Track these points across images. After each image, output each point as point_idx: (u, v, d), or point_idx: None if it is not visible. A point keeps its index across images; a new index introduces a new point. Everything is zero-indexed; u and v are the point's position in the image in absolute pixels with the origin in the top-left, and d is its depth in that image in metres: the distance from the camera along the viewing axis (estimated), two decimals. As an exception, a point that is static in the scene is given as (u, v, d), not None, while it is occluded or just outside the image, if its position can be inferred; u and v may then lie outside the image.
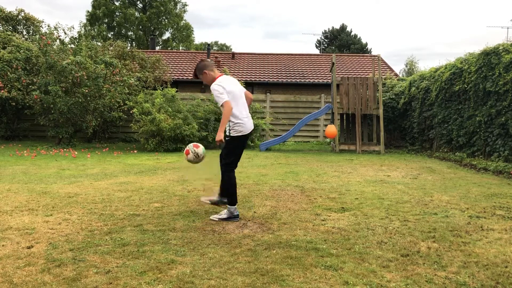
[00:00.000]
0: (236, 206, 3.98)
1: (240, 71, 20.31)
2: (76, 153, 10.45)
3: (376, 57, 13.41)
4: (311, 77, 19.84)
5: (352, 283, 2.51)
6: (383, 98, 12.74)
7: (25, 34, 18.92)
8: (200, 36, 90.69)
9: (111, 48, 15.87)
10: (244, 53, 23.09)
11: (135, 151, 11.32)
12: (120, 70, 12.88)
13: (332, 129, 11.07)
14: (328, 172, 7.36)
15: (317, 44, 47.59)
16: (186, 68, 20.56)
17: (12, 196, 4.90)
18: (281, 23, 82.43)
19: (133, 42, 38.11)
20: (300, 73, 20.33)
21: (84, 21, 38.05)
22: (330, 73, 16.33)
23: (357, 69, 20.70)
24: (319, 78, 19.77)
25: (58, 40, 13.84)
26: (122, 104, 12.73)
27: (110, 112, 12.98)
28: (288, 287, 2.46)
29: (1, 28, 17.79)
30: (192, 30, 41.46)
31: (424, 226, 3.76)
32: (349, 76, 13.72)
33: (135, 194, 5.16)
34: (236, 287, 2.45)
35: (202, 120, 12.19)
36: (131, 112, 12.32)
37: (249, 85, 18.19)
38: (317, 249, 3.12)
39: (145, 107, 11.42)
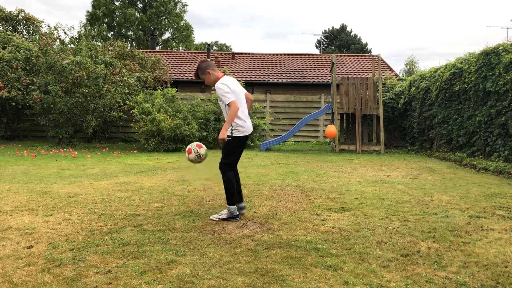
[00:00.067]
0: (236, 206, 3.99)
1: (240, 71, 20.31)
2: (76, 153, 10.45)
3: (376, 57, 13.41)
4: (311, 77, 19.84)
5: (352, 283, 2.51)
6: (383, 98, 12.74)
7: (25, 34, 18.92)
8: (200, 36, 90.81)
9: (111, 48, 15.87)
10: (244, 53, 23.09)
11: (135, 151, 11.32)
12: (120, 70, 12.88)
13: (332, 129, 11.07)
14: (328, 172, 7.36)
15: (317, 44, 47.66)
16: (186, 68, 20.56)
17: (12, 196, 4.90)
18: (281, 23, 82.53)
19: (133, 42, 38.13)
20: (300, 73, 20.33)
21: (84, 21, 38.15)
22: (330, 73, 16.33)
23: (357, 69, 20.70)
24: (319, 78, 19.77)
25: (58, 40, 13.84)
26: (122, 104, 12.73)
27: (110, 112, 12.98)
28: (288, 287, 2.46)
29: (1, 28, 17.79)
30: (192, 30, 41.50)
31: (424, 226, 3.76)
32: (349, 76, 13.72)
33: (135, 194, 5.16)
34: (236, 287, 2.45)
35: (202, 120, 12.20)
36: (131, 112, 12.33)
37: (249, 85, 18.19)
38: (317, 249, 3.12)
39: (145, 107, 11.42)
